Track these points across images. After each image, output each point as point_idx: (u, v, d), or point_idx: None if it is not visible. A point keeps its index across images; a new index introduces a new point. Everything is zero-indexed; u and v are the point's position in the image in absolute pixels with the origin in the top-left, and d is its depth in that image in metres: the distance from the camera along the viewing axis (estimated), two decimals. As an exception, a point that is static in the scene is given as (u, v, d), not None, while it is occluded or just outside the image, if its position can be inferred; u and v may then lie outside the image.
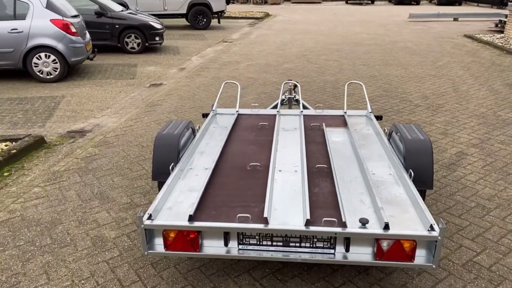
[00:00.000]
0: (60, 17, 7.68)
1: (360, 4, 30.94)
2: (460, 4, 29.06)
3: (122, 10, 11.03)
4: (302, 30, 15.69)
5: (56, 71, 7.83)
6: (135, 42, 10.86)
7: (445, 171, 4.31)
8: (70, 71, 8.49)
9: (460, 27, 16.53)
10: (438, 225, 2.25)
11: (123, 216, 3.54)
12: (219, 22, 16.73)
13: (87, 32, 8.73)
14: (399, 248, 2.31)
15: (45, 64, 7.74)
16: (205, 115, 4.32)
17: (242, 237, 2.42)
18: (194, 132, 3.77)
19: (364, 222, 2.34)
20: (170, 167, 2.95)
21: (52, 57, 7.72)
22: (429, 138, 3.08)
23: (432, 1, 31.81)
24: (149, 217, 2.41)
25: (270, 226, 2.34)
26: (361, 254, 2.37)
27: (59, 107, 6.46)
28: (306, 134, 3.68)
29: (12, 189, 4.01)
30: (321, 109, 4.31)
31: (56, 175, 4.29)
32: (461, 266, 2.89)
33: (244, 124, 3.99)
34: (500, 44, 11.99)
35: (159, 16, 14.22)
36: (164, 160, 3.09)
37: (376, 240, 2.31)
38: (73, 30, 7.82)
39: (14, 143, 4.88)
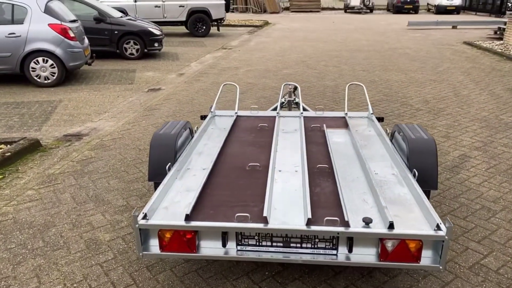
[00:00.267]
0: (58, 22, 7.63)
1: (359, 13, 31.08)
2: (458, 13, 29.20)
3: (121, 16, 11.01)
4: (301, 38, 15.70)
5: (53, 76, 7.77)
6: (134, 48, 10.82)
7: (448, 173, 4.22)
8: (68, 76, 8.43)
9: (459, 35, 16.56)
10: (444, 224, 2.16)
11: (118, 218, 3.44)
12: (218, 29, 16.75)
13: (85, 37, 8.68)
14: (404, 249, 2.22)
15: (42, 69, 7.67)
16: (203, 117, 4.24)
17: (241, 237, 2.33)
18: (192, 133, 3.68)
19: (367, 222, 2.24)
20: (167, 167, 2.87)
21: (50, 61, 7.65)
22: (433, 137, 3.00)
23: (430, 10, 31.97)
24: (144, 217, 2.32)
25: (270, 226, 2.24)
26: (365, 255, 2.27)
27: (56, 111, 6.38)
28: (307, 135, 3.60)
29: (5, 192, 3.91)
30: (321, 110, 4.24)
31: (51, 178, 4.19)
32: (467, 269, 2.79)
33: (243, 125, 3.91)
34: (500, 50, 11.98)
35: (158, 23, 14.21)
36: (161, 161, 3.00)
37: (380, 240, 2.22)
38: (71, 34, 7.77)
39: (8, 146, 4.79)
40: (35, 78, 7.70)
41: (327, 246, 2.29)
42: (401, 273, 2.72)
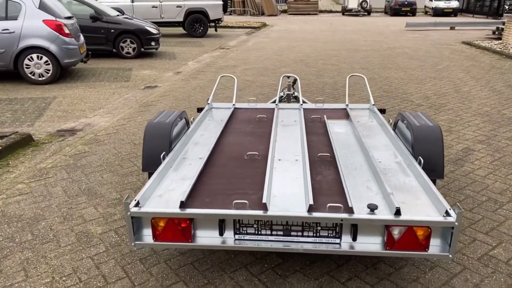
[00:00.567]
0: (53, 18, 7.50)
1: (357, 15, 31.07)
2: (455, 15, 29.23)
3: (118, 15, 10.89)
4: (300, 38, 15.61)
5: (48, 73, 7.63)
6: (131, 47, 10.70)
7: (453, 166, 4.10)
8: (62, 73, 8.30)
9: (458, 35, 16.51)
10: (454, 210, 2.04)
11: (111, 211, 3.31)
12: (216, 30, 16.64)
13: (81, 34, 8.55)
14: (411, 236, 2.09)
15: (37, 66, 7.54)
16: (199, 110, 4.12)
17: (239, 225, 2.20)
18: (188, 124, 3.56)
19: (372, 208, 2.12)
20: (162, 156, 2.74)
21: (44, 58, 7.52)
22: (438, 125, 2.88)
23: (428, 13, 31.99)
24: (137, 204, 2.19)
25: (270, 213, 2.12)
26: (370, 244, 2.15)
27: (49, 107, 6.25)
28: (307, 126, 3.48)
29: (-6, 186, 3.77)
30: (321, 103, 4.12)
31: (42, 172, 4.05)
32: (476, 260, 2.66)
33: (241, 117, 3.79)
34: (499, 49, 11.91)
35: (155, 24, 14.11)
36: (155, 150, 2.87)
37: (386, 228, 2.09)
38: (66, 31, 7.64)
39: (-1, 140, 4.66)
40: (29, 75, 7.56)
41: (329, 234, 2.17)
42: (407, 264, 2.60)
